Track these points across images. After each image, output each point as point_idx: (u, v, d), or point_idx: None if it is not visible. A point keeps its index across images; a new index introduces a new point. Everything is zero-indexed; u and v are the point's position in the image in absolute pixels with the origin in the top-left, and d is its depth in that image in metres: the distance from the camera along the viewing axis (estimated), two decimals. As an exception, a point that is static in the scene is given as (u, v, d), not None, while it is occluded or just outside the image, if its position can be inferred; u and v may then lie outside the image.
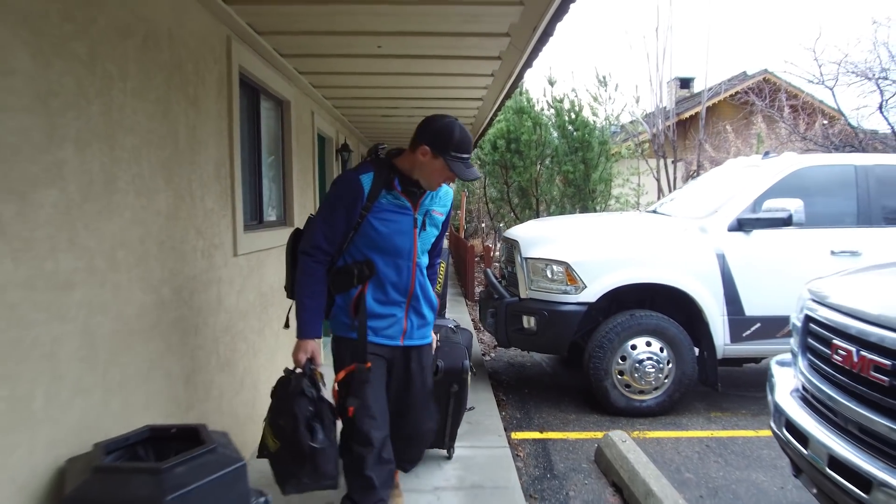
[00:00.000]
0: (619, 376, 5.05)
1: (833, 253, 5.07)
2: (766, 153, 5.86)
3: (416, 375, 2.82)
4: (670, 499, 3.31)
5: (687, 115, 21.13)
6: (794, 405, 2.84)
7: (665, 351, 5.06)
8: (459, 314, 8.98)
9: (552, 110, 12.43)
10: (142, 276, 2.55)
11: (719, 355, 5.10)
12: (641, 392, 5.08)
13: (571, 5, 3.20)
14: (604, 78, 12.85)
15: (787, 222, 4.85)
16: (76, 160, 2.09)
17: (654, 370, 5.02)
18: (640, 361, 5.01)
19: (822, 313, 2.74)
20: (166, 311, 2.78)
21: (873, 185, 5.30)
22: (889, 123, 12.24)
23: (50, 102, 1.95)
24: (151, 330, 2.63)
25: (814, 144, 14.16)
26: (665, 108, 16.83)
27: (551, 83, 12.48)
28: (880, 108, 13.43)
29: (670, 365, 5.07)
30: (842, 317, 2.60)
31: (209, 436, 2.09)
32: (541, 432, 4.86)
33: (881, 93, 12.09)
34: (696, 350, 5.20)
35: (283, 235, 4.73)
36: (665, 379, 5.08)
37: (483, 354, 7.02)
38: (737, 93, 17.84)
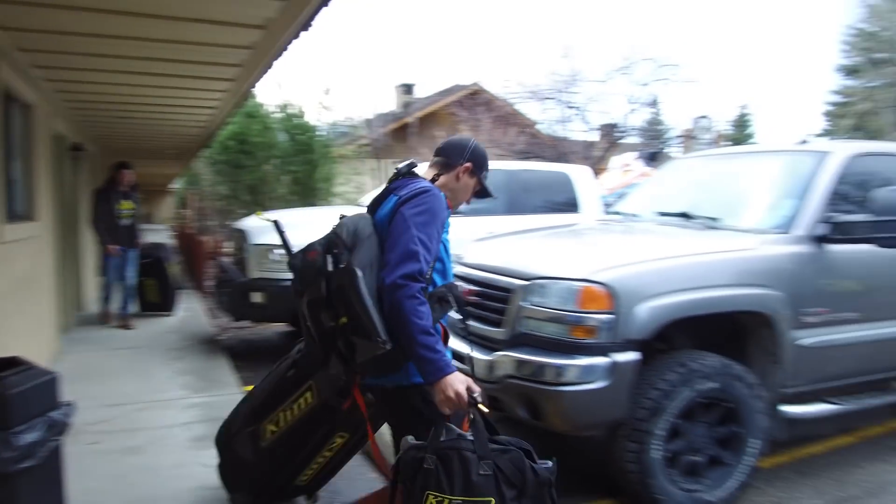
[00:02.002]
0: (336, 335, 6.35)
1: (491, 233, 6.87)
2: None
3: None
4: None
5: (409, 119, 23.49)
6: (436, 328, 4.35)
7: (370, 313, 6.46)
8: (192, 305, 9.69)
9: (280, 114, 13.46)
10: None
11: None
12: (352, 347, 6.44)
13: (284, 52, 4.40)
14: (327, 88, 14.23)
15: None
16: None
17: (362, 329, 6.41)
18: (352, 322, 6.35)
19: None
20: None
21: (517, 185, 7.26)
22: (554, 134, 15.39)
23: None
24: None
25: (505, 150, 16.99)
26: (383, 114, 18.76)
27: (280, 88, 13.56)
28: (552, 123, 16.64)
29: (376, 324, 6.49)
30: (461, 267, 4.15)
31: (26, 361, 2.92)
32: (272, 384, 5.97)
33: (544, 111, 15.16)
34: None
35: (29, 229, 5.29)
36: (373, 335, 6.49)
37: (219, 335, 7.87)
38: (449, 103, 20.33)
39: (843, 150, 4.13)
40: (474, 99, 18.68)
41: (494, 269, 3.71)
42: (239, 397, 5.18)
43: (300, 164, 12.81)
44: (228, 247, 9.04)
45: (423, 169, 2.60)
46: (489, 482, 2.02)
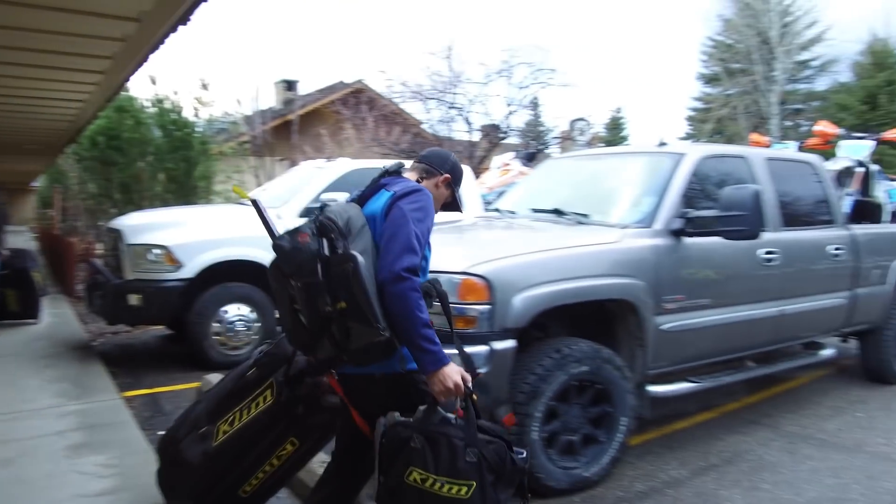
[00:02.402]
0: (216, 336, 6.21)
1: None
2: (329, 157, 7.62)
3: None
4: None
5: (291, 116, 23.11)
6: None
7: (254, 313, 6.38)
8: (61, 310, 9.16)
9: (154, 109, 12.88)
10: None
11: (296, 314, 6.59)
12: (235, 347, 6.32)
13: (161, 46, 4.30)
14: (205, 83, 13.68)
15: (336, 210, 6.55)
16: None
17: (244, 329, 6.31)
18: (232, 323, 6.25)
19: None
20: None
21: (399, 183, 7.37)
22: (434, 133, 15.63)
23: None
24: None
25: (388, 149, 17.05)
26: (264, 111, 18.34)
27: (153, 82, 12.92)
28: (436, 123, 16.85)
29: (258, 324, 6.41)
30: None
31: None
32: (150, 389, 5.77)
33: (428, 111, 15.38)
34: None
35: None
36: (254, 336, 6.40)
37: (92, 341, 7.50)
38: (332, 101, 20.10)
39: (696, 152, 4.53)
40: (358, 97, 18.60)
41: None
42: (118, 403, 5.02)
43: (176, 161, 12.32)
44: (101, 248, 8.61)
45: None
46: (473, 468, 2.20)
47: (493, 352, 3.33)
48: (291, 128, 17.69)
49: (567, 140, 17.69)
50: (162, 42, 4.24)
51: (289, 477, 3.17)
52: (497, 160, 10.13)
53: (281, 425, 2.85)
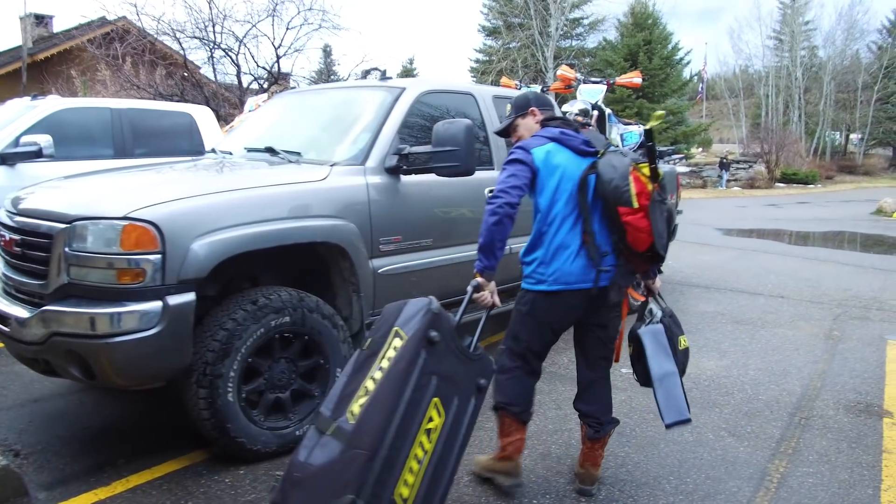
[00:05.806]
0: None
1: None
2: (35, 95, 6.57)
3: None
4: None
5: (41, 56, 20.42)
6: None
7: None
8: None
9: None
10: None
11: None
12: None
13: None
14: None
15: (39, 154, 5.63)
16: None
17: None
18: None
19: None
20: None
21: (128, 125, 6.54)
22: (206, 77, 14.41)
23: None
24: None
25: (146, 91, 15.50)
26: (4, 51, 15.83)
27: None
28: (201, 64, 15.53)
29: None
30: (19, 217, 3.50)
31: None
32: None
33: (190, 51, 14.10)
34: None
35: None
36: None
37: None
38: (88, 39, 17.83)
39: (417, 87, 4.30)
40: (115, 35, 16.65)
41: (37, 214, 3.19)
42: None
43: None
44: None
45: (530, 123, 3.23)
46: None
47: (167, 308, 2.91)
48: (44, 68, 15.48)
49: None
50: None
51: (444, 477, 2.55)
52: (251, 101, 9.48)
53: (418, 364, 2.47)
